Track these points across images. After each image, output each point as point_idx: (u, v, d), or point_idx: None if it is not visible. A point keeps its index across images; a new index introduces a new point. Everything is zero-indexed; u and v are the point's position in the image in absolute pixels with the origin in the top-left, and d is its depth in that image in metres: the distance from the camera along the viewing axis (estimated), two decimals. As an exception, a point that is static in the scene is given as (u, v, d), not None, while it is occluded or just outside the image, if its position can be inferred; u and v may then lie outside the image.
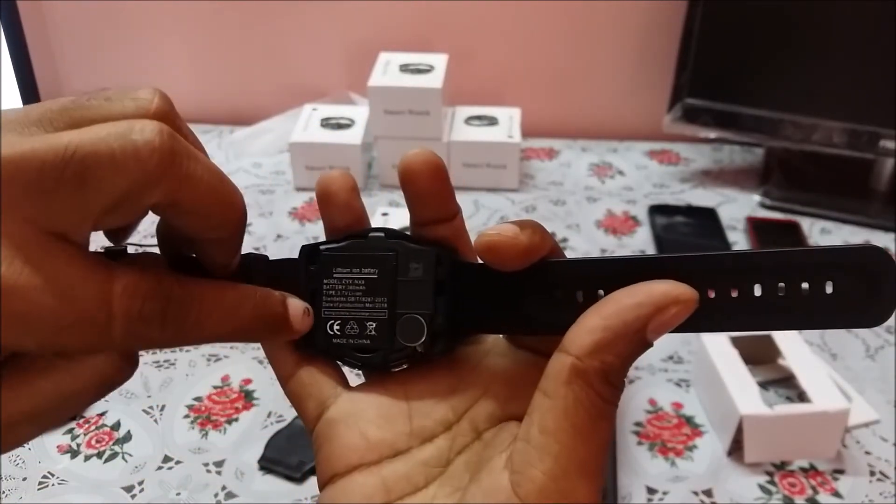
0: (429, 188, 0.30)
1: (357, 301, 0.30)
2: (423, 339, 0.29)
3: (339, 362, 0.31)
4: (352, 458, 0.28)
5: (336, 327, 0.30)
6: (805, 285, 0.26)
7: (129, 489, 0.63)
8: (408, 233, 0.30)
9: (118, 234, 0.27)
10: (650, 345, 0.26)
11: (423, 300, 0.29)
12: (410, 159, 0.29)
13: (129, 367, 0.26)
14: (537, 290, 0.29)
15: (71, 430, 0.68)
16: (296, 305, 0.29)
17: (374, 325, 0.29)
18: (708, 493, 0.63)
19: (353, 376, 0.31)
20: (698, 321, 0.26)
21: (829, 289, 0.26)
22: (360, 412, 0.29)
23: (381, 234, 0.30)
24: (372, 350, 0.30)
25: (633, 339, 0.25)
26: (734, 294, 0.27)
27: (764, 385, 0.71)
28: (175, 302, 0.24)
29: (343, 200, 0.30)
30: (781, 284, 0.26)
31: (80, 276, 0.23)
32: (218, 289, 0.26)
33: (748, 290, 0.27)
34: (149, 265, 0.26)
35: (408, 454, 0.29)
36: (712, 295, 0.27)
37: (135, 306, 0.23)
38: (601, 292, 0.27)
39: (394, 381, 0.30)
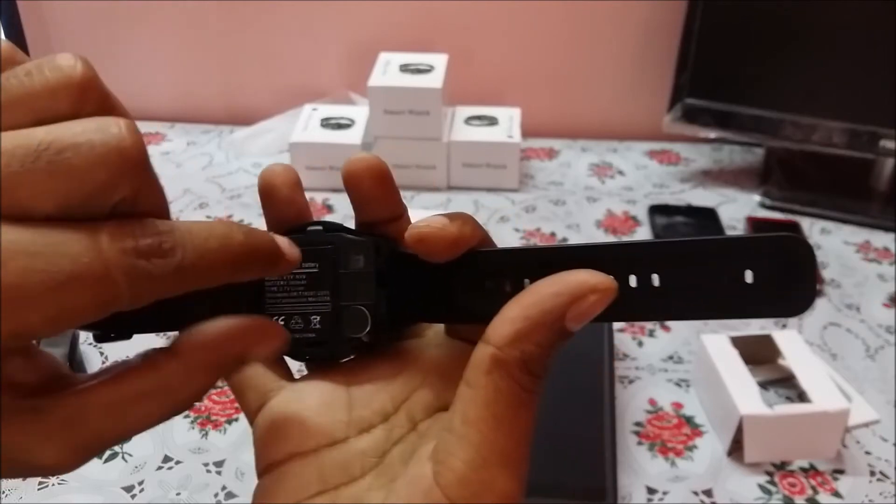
0: (372, 192, 0.30)
1: (300, 296, 0.30)
2: (367, 329, 0.29)
3: (285, 357, 0.31)
4: (288, 446, 0.28)
5: (280, 323, 0.30)
6: (725, 275, 0.26)
7: (129, 489, 0.63)
8: (346, 224, 0.31)
9: None
10: (571, 334, 0.26)
11: (365, 291, 0.29)
12: (352, 165, 0.30)
13: (203, 381, 0.25)
14: (467, 281, 0.29)
15: (71, 430, 0.68)
16: (280, 237, 0.28)
17: (318, 318, 0.30)
18: (708, 493, 0.63)
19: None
20: (622, 310, 0.26)
21: (749, 278, 0.26)
22: (300, 401, 0.29)
23: (320, 228, 0.30)
24: (318, 343, 0.30)
25: (553, 329, 0.26)
26: (656, 283, 0.27)
27: (764, 385, 0.71)
28: (167, 234, 0.23)
29: (286, 195, 0.30)
30: (700, 273, 0.26)
31: (59, 231, 0.21)
32: (203, 222, 0.25)
33: (670, 279, 0.27)
34: None
35: (345, 444, 0.29)
36: (634, 283, 0.27)
37: (129, 244, 0.22)
38: (527, 281, 0.28)
39: (337, 372, 0.30)
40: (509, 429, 0.26)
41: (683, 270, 0.27)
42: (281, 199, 0.30)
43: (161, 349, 0.25)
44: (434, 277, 0.29)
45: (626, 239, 0.95)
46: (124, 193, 0.22)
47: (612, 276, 0.26)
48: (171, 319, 0.28)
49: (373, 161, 0.30)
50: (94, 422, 0.23)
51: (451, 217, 0.28)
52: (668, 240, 0.27)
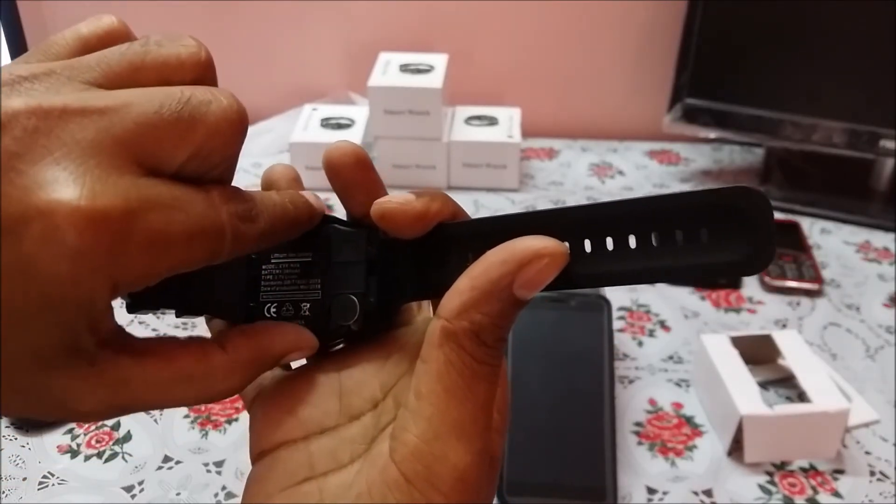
0: (353, 179, 0.30)
1: (293, 284, 0.30)
2: (356, 317, 0.30)
3: None
4: (279, 435, 0.29)
5: (273, 310, 0.30)
6: (679, 233, 0.25)
7: (129, 489, 0.63)
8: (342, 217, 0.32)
9: None
10: (523, 302, 0.26)
11: (355, 280, 0.30)
12: (331, 153, 0.30)
13: (243, 376, 0.27)
14: (435, 256, 0.29)
15: (71, 430, 0.68)
16: (307, 193, 0.30)
17: (308, 305, 0.30)
18: (708, 493, 0.63)
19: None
20: (576, 275, 0.26)
21: (704, 237, 0.25)
22: (292, 390, 0.30)
23: None
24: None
25: (501, 297, 0.25)
26: (610, 247, 0.26)
27: (764, 385, 0.71)
28: (252, 202, 0.26)
29: (285, 188, 0.31)
30: (655, 234, 0.25)
31: (184, 189, 0.23)
32: (266, 193, 0.28)
33: (624, 242, 0.26)
34: None
35: (335, 431, 0.29)
36: (589, 248, 0.26)
37: (233, 208, 0.24)
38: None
39: (329, 361, 0.31)
40: (463, 401, 0.26)
41: (638, 232, 0.26)
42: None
43: (209, 340, 0.27)
44: (412, 257, 0.30)
45: None
46: (232, 152, 0.25)
47: (563, 242, 0.26)
48: (178, 298, 0.30)
49: (349, 148, 0.30)
50: (138, 390, 0.24)
51: (419, 193, 0.29)
52: (621, 199, 0.26)
